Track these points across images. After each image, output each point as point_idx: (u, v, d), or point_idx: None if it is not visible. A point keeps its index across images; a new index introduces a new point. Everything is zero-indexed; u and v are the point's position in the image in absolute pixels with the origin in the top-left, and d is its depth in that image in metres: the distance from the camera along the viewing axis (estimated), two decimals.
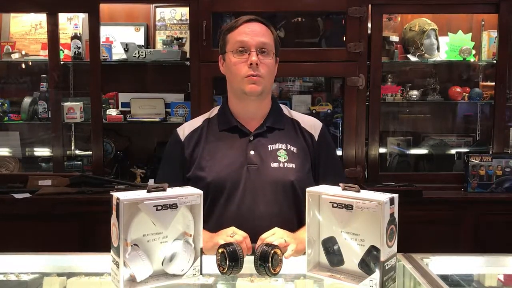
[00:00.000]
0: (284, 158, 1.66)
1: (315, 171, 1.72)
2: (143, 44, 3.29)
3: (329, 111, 3.41)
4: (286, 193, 1.64)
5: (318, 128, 1.76)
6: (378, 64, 3.04)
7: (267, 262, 1.29)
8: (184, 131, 1.76)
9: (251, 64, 1.62)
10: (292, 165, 1.66)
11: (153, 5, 3.34)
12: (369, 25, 3.00)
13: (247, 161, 1.65)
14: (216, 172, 1.64)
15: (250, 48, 1.63)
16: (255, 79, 1.63)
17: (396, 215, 1.23)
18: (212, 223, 1.62)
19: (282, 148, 1.68)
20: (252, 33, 1.64)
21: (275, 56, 1.70)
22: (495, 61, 3.11)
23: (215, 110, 1.81)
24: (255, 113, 1.73)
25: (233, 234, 1.46)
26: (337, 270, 1.32)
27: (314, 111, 3.33)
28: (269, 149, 1.68)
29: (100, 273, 1.34)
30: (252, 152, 1.66)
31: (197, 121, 1.79)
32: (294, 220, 1.65)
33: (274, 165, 1.65)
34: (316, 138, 1.74)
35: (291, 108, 1.88)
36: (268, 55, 1.65)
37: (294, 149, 1.69)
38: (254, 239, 1.48)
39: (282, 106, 1.82)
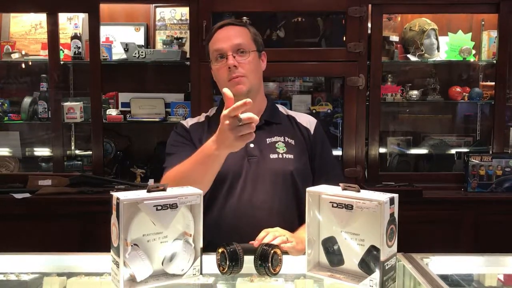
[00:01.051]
0: (283, 150, 1.72)
1: (312, 163, 1.77)
2: (143, 44, 3.29)
3: (329, 111, 3.41)
4: (286, 183, 1.69)
5: (313, 124, 1.84)
6: (378, 64, 3.04)
7: (267, 262, 1.29)
8: (187, 122, 1.84)
9: (229, 67, 1.67)
10: (290, 156, 1.72)
11: (153, 5, 3.34)
12: (369, 25, 3.00)
13: (247, 153, 1.70)
14: None
15: (226, 52, 1.68)
16: (237, 80, 1.68)
17: (396, 215, 1.23)
18: (214, 213, 1.66)
19: (280, 141, 1.74)
20: (225, 38, 1.70)
21: (257, 52, 1.75)
22: (495, 61, 3.11)
23: (213, 110, 1.88)
24: (250, 110, 1.73)
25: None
26: (337, 270, 1.32)
27: (314, 111, 3.33)
28: (268, 142, 1.73)
29: (100, 273, 1.33)
30: (251, 145, 1.71)
31: (200, 118, 1.87)
32: (294, 210, 1.69)
33: (273, 156, 1.71)
34: (312, 132, 1.81)
35: (291, 108, 1.91)
36: (246, 53, 1.70)
37: (292, 141, 1.75)
38: (254, 229, 1.49)
39: (277, 105, 1.89)
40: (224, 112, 1.33)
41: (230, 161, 1.66)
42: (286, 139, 1.75)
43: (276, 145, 1.73)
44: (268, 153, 1.71)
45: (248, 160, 1.70)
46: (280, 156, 1.71)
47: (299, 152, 1.74)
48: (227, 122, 1.32)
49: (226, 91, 1.36)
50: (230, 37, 1.70)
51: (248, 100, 1.30)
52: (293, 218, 1.67)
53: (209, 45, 1.76)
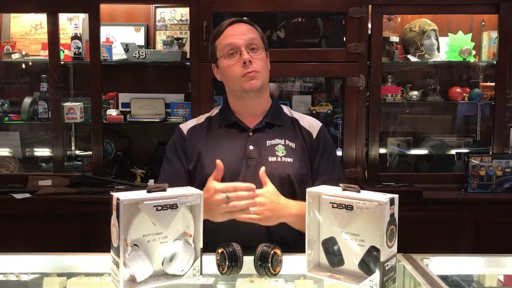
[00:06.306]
0: (282, 153, 1.70)
1: (312, 168, 1.74)
2: (143, 44, 3.29)
3: (329, 111, 3.41)
4: (283, 187, 1.65)
5: (317, 128, 1.79)
6: (378, 64, 3.04)
7: (267, 262, 1.29)
8: (186, 125, 1.82)
9: (244, 62, 1.65)
10: (290, 160, 1.69)
11: (153, 5, 3.34)
12: (369, 25, 3.00)
13: (246, 155, 1.68)
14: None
15: (240, 47, 1.67)
16: (252, 75, 1.66)
17: (396, 216, 1.23)
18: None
19: (280, 143, 1.72)
20: (238, 32, 1.69)
21: (265, 51, 1.74)
22: (495, 62, 3.11)
23: (216, 110, 1.86)
24: (255, 109, 1.76)
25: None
26: (337, 270, 1.32)
27: (314, 112, 3.34)
28: (268, 144, 1.71)
29: (100, 273, 1.34)
30: (251, 147, 1.70)
31: (200, 119, 1.85)
32: None
33: (272, 159, 1.68)
34: (314, 137, 1.77)
35: (291, 108, 1.89)
36: (258, 50, 1.69)
37: (293, 145, 1.72)
38: (251, 231, 1.50)
39: (283, 106, 1.86)
40: (220, 186, 1.45)
41: (228, 163, 1.63)
42: (287, 142, 1.72)
43: (276, 148, 1.71)
44: (267, 156, 1.68)
45: (246, 162, 1.67)
46: (279, 159, 1.68)
47: (299, 156, 1.71)
48: (218, 197, 1.43)
49: (219, 162, 1.48)
50: (244, 32, 1.69)
51: (253, 186, 1.46)
52: None
53: (217, 42, 1.72)
